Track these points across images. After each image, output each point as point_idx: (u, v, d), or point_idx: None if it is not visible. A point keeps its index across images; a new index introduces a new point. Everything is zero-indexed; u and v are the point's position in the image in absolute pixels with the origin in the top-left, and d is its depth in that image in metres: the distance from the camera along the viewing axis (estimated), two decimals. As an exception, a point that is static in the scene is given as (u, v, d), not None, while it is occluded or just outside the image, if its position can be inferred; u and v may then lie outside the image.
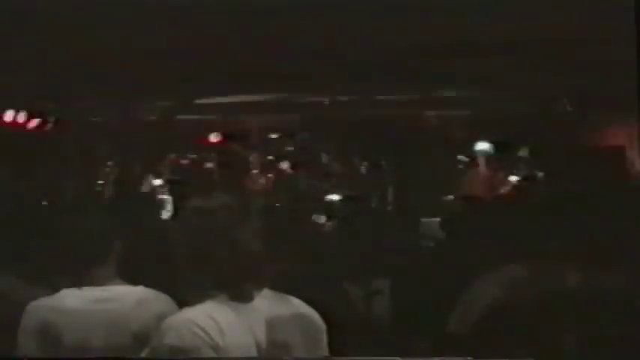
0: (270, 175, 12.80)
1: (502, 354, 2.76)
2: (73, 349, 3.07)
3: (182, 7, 6.75)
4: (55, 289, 3.18)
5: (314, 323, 2.91)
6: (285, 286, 2.88)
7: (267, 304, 2.80)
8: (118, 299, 3.14)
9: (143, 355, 2.93)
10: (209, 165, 13.72)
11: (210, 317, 2.70)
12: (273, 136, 13.37)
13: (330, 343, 2.94)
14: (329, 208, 11.31)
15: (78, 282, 3.16)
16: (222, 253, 2.77)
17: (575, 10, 6.58)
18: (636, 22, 4.25)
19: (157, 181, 12.63)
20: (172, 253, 2.85)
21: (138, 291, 3.19)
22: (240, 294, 2.76)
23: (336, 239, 5.38)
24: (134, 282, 3.21)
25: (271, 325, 2.77)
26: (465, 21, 7.00)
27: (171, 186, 12.87)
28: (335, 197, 11.61)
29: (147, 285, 3.20)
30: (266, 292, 2.83)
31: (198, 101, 11.53)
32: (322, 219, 9.73)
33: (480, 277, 3.80)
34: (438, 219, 5.88)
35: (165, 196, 12.16)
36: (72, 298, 3.14)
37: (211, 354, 2.67)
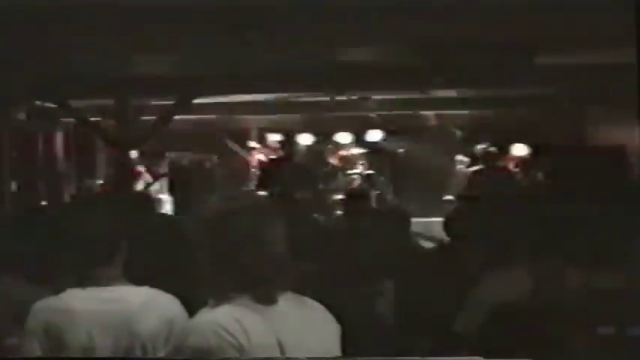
0: (271, 175, 12.77)
1: (502, 354, 2.76)
2: (77, 349, 3.07)
3: (182, 6, 6.75)
4: (60, 290, 3.17)
5: (330, 324, 2.90)
6: (295, 287, 2.87)
7: (286, 305, 2.79)
8: (124, 300, 3.13)
9: (162, 355, 2.93)
10: (209, 165, 13.72)
11: (235, 319, 2.69)
12: (275, 136, 13.36)
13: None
14: (330, 208, 11.33)
15: (81, 282, 3.16)
16: (248, 254, 2.76)
17: (575, 10, 6.59)
18: (636, 22, 4.25)
19: (158, 181, 12.63)
20: (194, 255, 2.83)
21: (143, 291, 3.18)
22: (264, 296, 2.75)
23: (337, 239, 5.38)
24: (149, 283, 3.19)
25: (292, 326, 2.76)
26: (466, 21, 7.00)
27: (172, 185, 12.88)
28: (335, 197, 11.63)
29: (163, 287, 3.19)
30: (286, 294, 2.82)
31: (198, 101, 11.53)
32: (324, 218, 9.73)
33: (480, 277, 3.80)
34: (439, 219, 5.88)
35: (165, 196, 12.17)
36: (77, 299, 3.13)
37: (236, 355, 2.65)
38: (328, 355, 2.81)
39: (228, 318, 2.69)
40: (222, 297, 2.74)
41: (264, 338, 2.69)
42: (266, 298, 2.74)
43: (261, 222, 2.79)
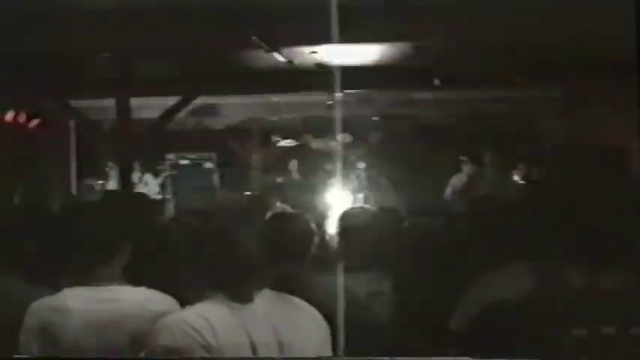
0: (271, 175, 12.79)
1: (502, 354, 2.76)
2: (74, 349, 3.07)
3: (182, 7, 6.75)
4: (58, 289, 3.18)
5: (317, 323, 2.90)
6: (286, 286, 2.87)
7: (266, 304, 2.79)
8: (120, 300, 3.14)
9: (142, 355, 2.93)
10: (209, 165, 13.72)
11: (204, 317, 2.71)
12: (274, 136, 13.37)
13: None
14: (329, 208, 11.32)
15: (80, 282, 3.16)
16: (221, 253, 2.78)
17: (575, 10, 6.59)
18: (636, 22, 4.25)
19: (157, 181, 12.64)
20: (172, 254, 2.86)
21: (140, 292, 3.18)
22: (238, 294, 2.76)
23: (337, 239, 5.37)
24: (137, 283, 3.21)
25: (270, 325, 2.77)
26: (465, 21, 7.01)
27: (171, 186, 12.89)
28: (335, 197, 11.61)
29: (150, 285, 3.20)
30: (266, 293, 2.82)
31: (198, 101, 11.53)
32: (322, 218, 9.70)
33: (480, 277, 3.80)
34: (439, 219, 5.87)
35: (165, 196, 12.18)
36: (74, 298, 3.14)
37: (204, 354, 2.67)
38: (312, 355, 2.81)
39: (197, 316, 2.72)
40: (199, 295, 2.76)
41: (234, 337, 2.70)
42: (240, 296, 2.75)
43: (233, 221, 2.81)
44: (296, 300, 2.89)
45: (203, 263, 2.81)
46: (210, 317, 2.73)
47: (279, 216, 4.75)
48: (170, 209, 9.93)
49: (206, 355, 2.67)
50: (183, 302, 2.88)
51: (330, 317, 3.01)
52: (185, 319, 2.76)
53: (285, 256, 3.37)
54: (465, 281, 3.86)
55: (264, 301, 2.81)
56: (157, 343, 2.76)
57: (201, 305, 2.78)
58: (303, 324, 2.86)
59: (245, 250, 2.79)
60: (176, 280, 2.91)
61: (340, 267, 4.43)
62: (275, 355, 2.74)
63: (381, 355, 3.24)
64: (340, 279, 4.25)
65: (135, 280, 3.18)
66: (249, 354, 2.72)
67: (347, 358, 3.03)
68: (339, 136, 14.14)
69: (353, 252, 4.58)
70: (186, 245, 2.87)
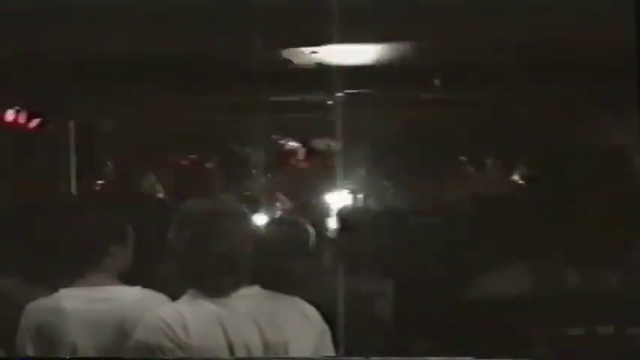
0: (271, 175, 12.77)
1: (500, 353, 2.76)
2: (69, 349, 3.08)
3: (182, 6, 6.76)
4: (53, 290, 3.18)
5: (311, 322, 2.88)
6: (284, 285, 2.86)
7: (251, 303, 2.78)
8: (116, 299, 3.15)
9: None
10: (209, 165, 13.71)
11: (179, 313, 2.73)
12: (274, 136, 13.36)
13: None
14: (328, 208, 11.31)
15: (74, 282, 3.17)
16: (199, 247, 2.77)
17: (575, 10, 6.59)
18: (636, 22, 4.25)
19: (156, 181, 12.61)
20: (159, 249, 2.86)
21: (135, 291, 3.19)
22: (216, 291, 2.75)
23: (337, 239, 5.38)
24: (131, 282, 3.21)
25: (255, 324, 2.75)
26: (465, 21, 7.01)
27: (170, 186, 12.85)
28: (335, 197, 11.60)
29: (144, 285, 3.21)
30: (253, 291, 2.80)
31: (199, 101, 11.51)
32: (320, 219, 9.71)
33: (480, 277, 3.81)
34: (438, 219, 5.88)
35: (164, 196, 12.14)
36: (69, 299, 3.14)
37: (174, 350, 2.67)
38: (306, 354, 2.81)
39: (172, 311, 2.73)
40: (182, 292, 2.77)
41: (208, 335, 2.70)
42: (218, 293, 2.74)
43: (215, 219, 2.80)
44: (288, 298, 2.87)
45: (184, 259, 2.81)
46: (185, 313, 2.74)
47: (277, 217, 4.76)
48: (169, 209, 9.91)
49: (177, 350, 2.68)
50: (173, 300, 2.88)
51: (330, 317, 3.00)
52: (160, 313, 2.79)
53: (281, 256, 3.37)
54: (465, 281, 3.87)
55: (249, 299, 2.80)
56: (132, 337, 2.78)
57: (181, 300, 2.79)
58: (293, 323, 2.83)
59: (226, 247, 2.79)
60: (167, 280, 2.92)
61: (340, 267, 4.44)
62: (260, 354, 2.73)
63: (381, 355, 3.25)
64: (340, 279, 4.26)
65: (129, 280, 3.19)
66: (224, 352, 2.71)
67: (347, 358, 3.02)
68: (339, 136, 14.15)
69: (353, 252, 4.60)
70: (171, 240, 2.87)
